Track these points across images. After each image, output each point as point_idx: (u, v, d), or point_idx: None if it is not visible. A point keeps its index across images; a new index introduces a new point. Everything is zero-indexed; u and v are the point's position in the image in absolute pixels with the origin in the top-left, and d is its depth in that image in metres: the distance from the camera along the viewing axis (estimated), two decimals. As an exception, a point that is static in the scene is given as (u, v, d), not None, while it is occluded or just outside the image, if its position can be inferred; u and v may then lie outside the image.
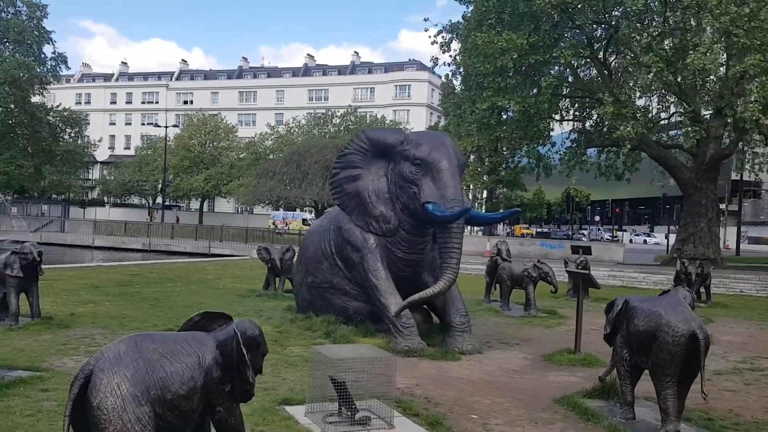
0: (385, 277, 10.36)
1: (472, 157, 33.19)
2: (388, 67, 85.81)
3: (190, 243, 34.55)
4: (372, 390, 6.45)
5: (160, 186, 66.24)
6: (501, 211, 12.72)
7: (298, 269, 12.19)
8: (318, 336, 10.54)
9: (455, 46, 32.54)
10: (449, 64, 34.55)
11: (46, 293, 14.57)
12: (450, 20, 32.35)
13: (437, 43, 32.45)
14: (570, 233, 60.29)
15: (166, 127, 56.02)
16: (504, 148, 35.55)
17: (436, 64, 35.78)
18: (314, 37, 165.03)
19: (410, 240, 10.52)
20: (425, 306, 11.38)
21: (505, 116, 31.44)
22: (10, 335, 9.75)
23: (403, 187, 10.32)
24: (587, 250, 22.41)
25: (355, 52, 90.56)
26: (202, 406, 4.34)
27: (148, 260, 27.23)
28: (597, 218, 68.25)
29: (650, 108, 29.65)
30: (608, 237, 59.66)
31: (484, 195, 42.47)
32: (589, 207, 71.32)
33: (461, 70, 33.57)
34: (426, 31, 32.49)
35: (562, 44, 23.48)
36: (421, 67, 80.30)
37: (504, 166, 39.63)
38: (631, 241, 60.46)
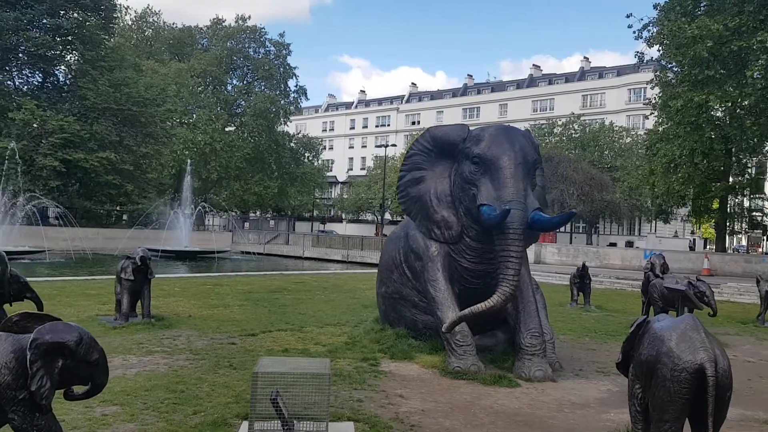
0: (445, 289, 9.41)
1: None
2: (620, 71, 79.95)
3: (378, 254, 35.65)
4: (304, 409, 5.80)
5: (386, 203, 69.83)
6: (558, 214, 10.79)
7: (377, 279, 11.71)
8: (378, 350, 9.96)
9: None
10: (657, 60, 31.17)
11: (199, 297, 16.09)
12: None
13: (642, 38, 29.38)
14: None
15: (386, 146, 58.90)
16: (739, 150, 30.82)
17: (642, 61, 32.43)
18: (558, 48, 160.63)
19: (477, 248, 9.42)
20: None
21: (720, 114, 27.23)
22: (109, 333, 10.78)
23: (464, 189, 9.31)
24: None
25: (584, 57, 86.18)
26: None
27: (338, 270, 28.70)
28: None
29: None
30: None
31: (713, 205, 36.89)
32: None
33: (672, 65, 30.02)
34: (629, 27, 29.55)
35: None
36: (661, 67, 73.45)
37: (736, 171, 34.34)
38: None
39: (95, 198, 42.30)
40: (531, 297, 9.46)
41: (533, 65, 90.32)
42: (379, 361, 9.36)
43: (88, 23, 40.49)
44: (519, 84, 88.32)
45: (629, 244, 57.50)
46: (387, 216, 72.31)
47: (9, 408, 4.19)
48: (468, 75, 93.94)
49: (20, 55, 40.69)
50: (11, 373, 4.17)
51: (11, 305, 7.79)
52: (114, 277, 12.36)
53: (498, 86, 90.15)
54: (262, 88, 66.76)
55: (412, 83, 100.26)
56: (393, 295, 10.66)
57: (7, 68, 40.13)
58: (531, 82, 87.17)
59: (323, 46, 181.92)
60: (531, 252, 36.63)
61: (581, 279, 17.69)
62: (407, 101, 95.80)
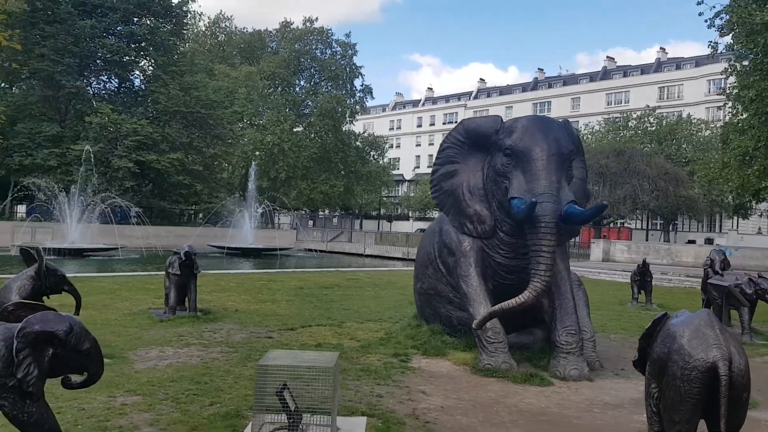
0: (477, 285, 9.17)
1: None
2: (699, 61, 76.22)
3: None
4: (309, 403, 5.75)
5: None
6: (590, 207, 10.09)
7: (414, 275, 11.55)
8: (411, 346, 9.83)
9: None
10: (731, 48, 29.47)
11: (251, 292, 16.37)
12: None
13: (714, 26, 27.88)
14: None
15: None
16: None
17: (716, 50, 30.69)
18: (637, 39, 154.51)
19: (511, 243, 9.12)
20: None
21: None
22: (155, 326, 11.11)
23: (497, 182, 9.04)
24: None
25: (661, 48, 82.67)
26: None
27: (396, 268, 28.66)
28: None
29: None
30: None
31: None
32: None
33: (747, 53, 28.31)
34: (700, 15, 28.14)
35: None
36: (736, 55, 69.53)
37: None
38: None
39: (169, 198, 43.98)
40: (568, 293, 9.10)
41: (607, 57, 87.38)
42: (410, 357, 9.24)
43: (159, 29, 42.11)
44: (592, 77, 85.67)
45: (709, 241, 54.68)
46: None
47: (0, 394, 4.32)
48: (538, 69, 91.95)
49: (98, 61, 42.78)
50: (1, 360, 4.28)
51: (48, 298, 8.13)
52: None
53: (570, 79, 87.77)
54: (329, 88, 67.48)
55: (480, 79, 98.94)
56: (428, 291, 10.50)
57: (85, 74, 42.26)
58: (605, 74, 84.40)
59: (393, 45, 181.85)
60: (600, 249, 35.52)
61: (642, 276, 16.94)
62: (475, 97, 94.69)
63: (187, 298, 12.32)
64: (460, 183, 9.57)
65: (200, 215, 49.23)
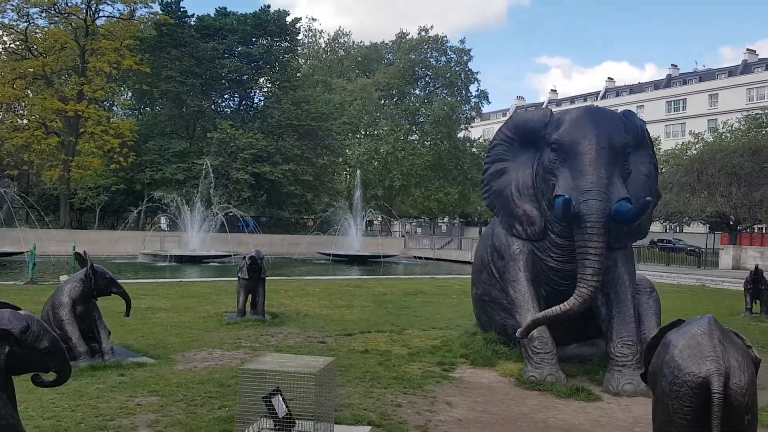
0: (525, 291, 8.50)
1: None
2: None
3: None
4: (300, 409, 5.53)
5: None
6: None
7: (471, 280, 10.93)
8: (460, 355, 9.32)
9: None
10: None
11: (332, 297, 16.44)
12: None
13: None
14: None
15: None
16: None
17: None
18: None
19: (564, 245, 8.37)
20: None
21: None
22: (221, 328, 11.37)
23: (546, 180, 8.37)
24: None
25: (812, 34, 74.49)
26: None
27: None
28: None
29: None
30: None
31: None
32: None
33: None
34: None
35: None
36: None
37: None
38: None
39: (286, 208, 45.67)
40: (628, 301, 8.23)
41: (747, 50, 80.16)
42: (454, 367, 8.76)
43: (274, 48, 43.98)
44: (731, 71, 78.92)
45: None
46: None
47: None
48: (672, 65, 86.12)
49: (222, 81, 45.40)
50: None
51: (96, 300, 8.52)
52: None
53: (707, 75, 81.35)
54: (444, 95, 67.21)
55: (608, 78, 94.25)
56: (483, 297, 9.92)
57: (209, 93, 45.02)
58: (745, 68, 77.49)
59: (519, 49, 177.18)
60: (729, 256, 32.50)
61: (755, 284, 15.14)
62: (603, 97, 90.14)
63: (255, 303, 12.56)
64: (509, 182, 8.96)
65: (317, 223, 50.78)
